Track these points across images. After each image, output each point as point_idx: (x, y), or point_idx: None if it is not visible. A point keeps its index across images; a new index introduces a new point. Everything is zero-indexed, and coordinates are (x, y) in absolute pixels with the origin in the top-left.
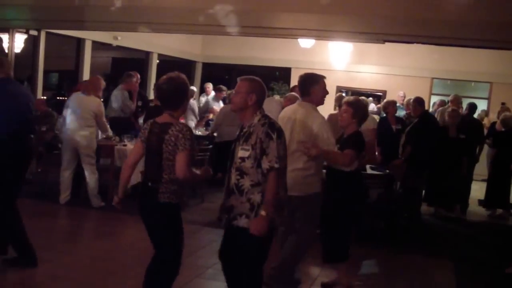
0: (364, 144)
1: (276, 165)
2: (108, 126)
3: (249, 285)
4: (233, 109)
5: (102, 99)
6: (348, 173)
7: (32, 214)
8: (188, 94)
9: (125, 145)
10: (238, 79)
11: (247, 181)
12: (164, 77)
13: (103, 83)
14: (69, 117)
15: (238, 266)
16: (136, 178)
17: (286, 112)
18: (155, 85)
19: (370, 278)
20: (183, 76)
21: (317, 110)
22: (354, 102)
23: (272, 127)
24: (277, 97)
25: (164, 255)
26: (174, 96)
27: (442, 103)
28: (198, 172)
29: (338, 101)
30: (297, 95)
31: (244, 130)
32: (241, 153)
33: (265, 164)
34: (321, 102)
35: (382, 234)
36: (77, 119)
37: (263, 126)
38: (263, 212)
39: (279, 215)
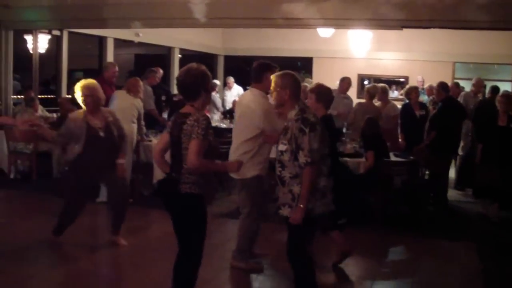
0: (334, 128)
1: (309, 160)
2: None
3: (299, 267)
4: (275, 106)
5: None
6: None
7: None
8: (207, 85)
9: (150, 141)
10: (272, 76)
11: (287, 173)
12: (183, 68)
13: (141, 84)
14: (116, 111)
15: (290, 248)
16: (162, 173)
17: (239, 98)
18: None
19: (396, 263)
20: (202, 67)
21: (266, 97)
22: (315, 88)
23: (305, 121)
24: None
25: (186, 247)
26: (191, 87)
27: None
28: (215, 162)
29: (371, 92)
30: (307, 85)
31: (285, 123)
32: (280, 146)
33: (301, 159)
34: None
35: (408, 220)
36: (122, 114)
37: (297, 121)
38: (300, 205)
39: (321, 203)
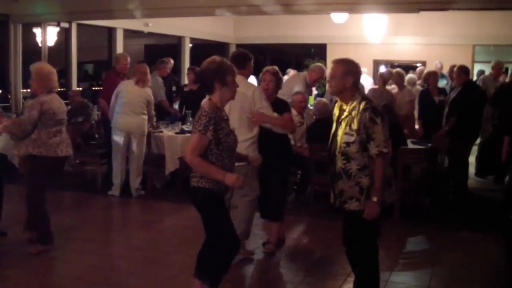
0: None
1: (385, 150)
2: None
3: (368, 260)
4: (332, 92)
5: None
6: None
7: (71, 206)
8: (224, 78)
9: (161, 132)
10: (332, 61)
11: (354, 165)
12: (205, 60)
13: (148, 70)
14: (123, 104)
15: (356, 245)
16: (174, 164)
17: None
18: (189, 69)
19: (416, 255)
20: (220, 59)
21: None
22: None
23: (375, 111)
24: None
25: (208, 238)
26: (204, 79)
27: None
28: (214, 167)
29: (384, 77)
30: (321, 65)
31: (345, 113)
32: (345, 138)
33: (373, 150)
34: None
35: (427, 210)
36: (130, 107)
37: (366, 111)
38: (374, 198)
39: (389, 193)
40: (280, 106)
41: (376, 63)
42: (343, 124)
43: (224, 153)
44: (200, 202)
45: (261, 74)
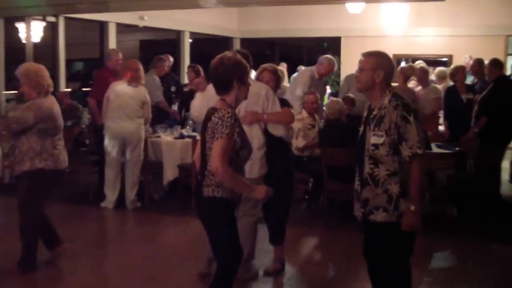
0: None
1: (420, 151)
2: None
3: (396, 282)
4: (359, 89)
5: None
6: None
7: (63, 218)
8: (243, 76)
9: (158, 137)
10: (362, 54)
11: (383, 170)
12: (217, 56)
13: (141, 66)
14: (115, 108)
15: (382, 263)
16: (173, 173)
17: None
18: (189, 67)
19: (442, 271)
20: (237, 55)
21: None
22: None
23: (407, 108)
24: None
25: (216, 257)
26: (221, 78)
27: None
28: (244, 180)
29: (405, 73)
30: (332, 58)
31: (374, 112)
32: (373, 139)
33: (405, 151)
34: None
35: (455, 221)
36: (122, 111)
37: (396, 108)
38: (412, 207)
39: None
40: (281, 105)
41: (396, 58)
42: (372, 124)
43: (242, 161)
44: (212, 212)
45: (257, 73)
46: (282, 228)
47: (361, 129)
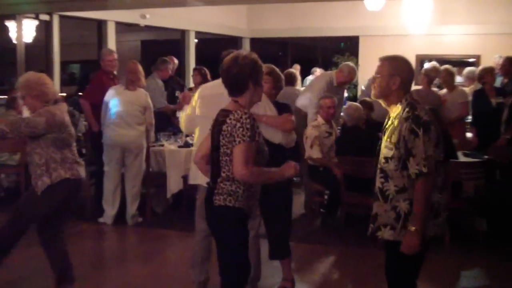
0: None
1: (425, 170)
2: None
3: None
4: (374, 95)
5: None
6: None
7: None
8: (258, 77)
9: (161, 145)
10: (379, 59)
11: (392, 186)
12: (229, 56)
13: (140, 68)
14: (114, 115)
15: (389, 283)
16: (177, 185)
17: (214, 88)
18: (195, 70)
19: None
20: (252, 55)
21: None
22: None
23: (417, 121)
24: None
25: (221, 269)
26: (236, 79)
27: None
28: (270, 169)
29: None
30: (354, 67)
31: (389, 121)
32: (384, 151)
33: (412, 168)
34: None
35: (484, 236)
36: (121, 120)
37: (407, 120)
38: (411, 227)
39: (434, 224)
40: (280, 110)
41: (419, 59)
42: (386, 135)
43: (260, 160)
44: (223, 222)
45: None
46: (282, 242)
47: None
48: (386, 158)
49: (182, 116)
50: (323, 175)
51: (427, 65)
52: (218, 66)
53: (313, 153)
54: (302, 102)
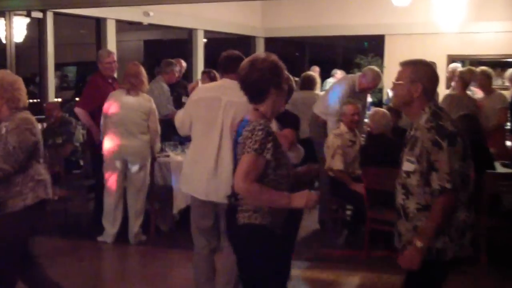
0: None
1: (448, 185)
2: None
3: None
4: (394, 104)
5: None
6: None
7: (51, 256)
8: (280, 81)
9: (167, 156)
10: (400, 64)
11: (413, 203)
12: (246, 61)
13: (143, 71)
14: (115, 123)
15: None
16: (185, 200)
17: (212, 91)
18: (203, 73)
19: None
20: (272, 57)
21: None
22: None
23: (441, 131)
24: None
25: None
26: (256, 85)
27: None
28: (278, 192)
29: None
30: (378, 71)
31: (412, 132)
32: (405, 165)
33: (434, 183)
34: None
35: None
36: (126, 124)
37: (430, 131)
38: (418, 243)
39: (457, 244)
40: (286, 121)
41: (451, 60)
42: (407, 147)
43: (281, 179)
44: (249, 242)
45: None
46: None
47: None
48: (407, 173)
49: (176, 117)
50: (345, 189)
51: (452, 65)
52: None
53: (334, 163)
54: (321, 108)
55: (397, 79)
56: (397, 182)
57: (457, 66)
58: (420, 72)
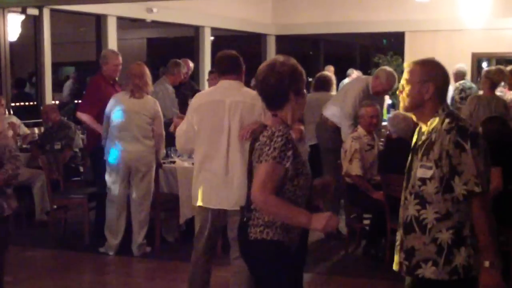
0: None
1: (477, 189)
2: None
3: None
4: (404, 108)
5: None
6: None
7: (49, 268)
8: (300, 86)
9: (173, 162)
10: (407, 64)
11: (431, 212)
12: (264, 64)
13: (147, 71)
14: (117, 127)
15: None
16: (191, 209)
17: (211, 95)
18: (211, 73)
19: None
20: (291, 61)
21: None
22: None
23: (463, 132)
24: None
25: None
26: (274, 90)
27: None
28: (297, 209)
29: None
30: (392, 72)
31: (423, 137)
32: (420, 172)
33: (459, 188)
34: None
35: None
36: (129, 128)
37: (450, 132)
38: (486, 263)
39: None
40: None
41: (477, 58)
42: (419, 153)
43: (299, 191)
44: (262, 259)
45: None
46: None
47: (409, 158)
48: (422, 180)
49: (178, 132)
50: (363, 196)
51: (485, 66)
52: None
53: (352, 168)
54: (333, 111)
55: (406, 79)
56: (406, 193)
57: (462, 67)
58: (432, 72)
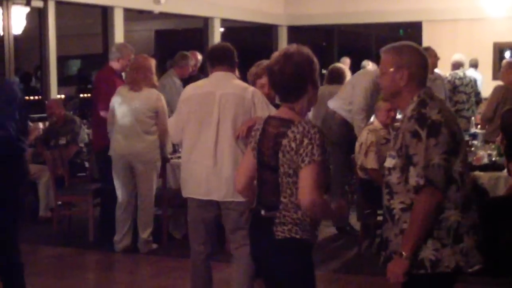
0: None
1: (422, 182)
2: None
3: None
4: (384, 97)
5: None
6: None
7: (53, 267)
8: (315, 77)
9: (179, 157)
10: (380, 51)
11: (397, 202)
12: (277, 54)
13: (152, 63)
14: (119, 122)
15: None
16: None
17: (203, 88)
18: None
19: None
20: (305, 50)
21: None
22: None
23: (421, 120)
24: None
25: None
26: (291, 81)
27: None
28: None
29: None
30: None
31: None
32: (387, 161)
33: (412, 180)
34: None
35: None
36: (131, 123)
37: (410, 120)
38: (403, 252)
39: (454, 251)
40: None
41: (498, 47)
42: (391, 142)
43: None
44: (291, 258)
45: (251, 75)
46: None
47: None
48: (388, 169)
49: (169, 123)
50: (377, 191)
51: (508, 56)
52: (248, 60)
53: (367, 162)
54: (340, 104)
55: (380, 69)
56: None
57: (459, 56)
58: (404, 57)
